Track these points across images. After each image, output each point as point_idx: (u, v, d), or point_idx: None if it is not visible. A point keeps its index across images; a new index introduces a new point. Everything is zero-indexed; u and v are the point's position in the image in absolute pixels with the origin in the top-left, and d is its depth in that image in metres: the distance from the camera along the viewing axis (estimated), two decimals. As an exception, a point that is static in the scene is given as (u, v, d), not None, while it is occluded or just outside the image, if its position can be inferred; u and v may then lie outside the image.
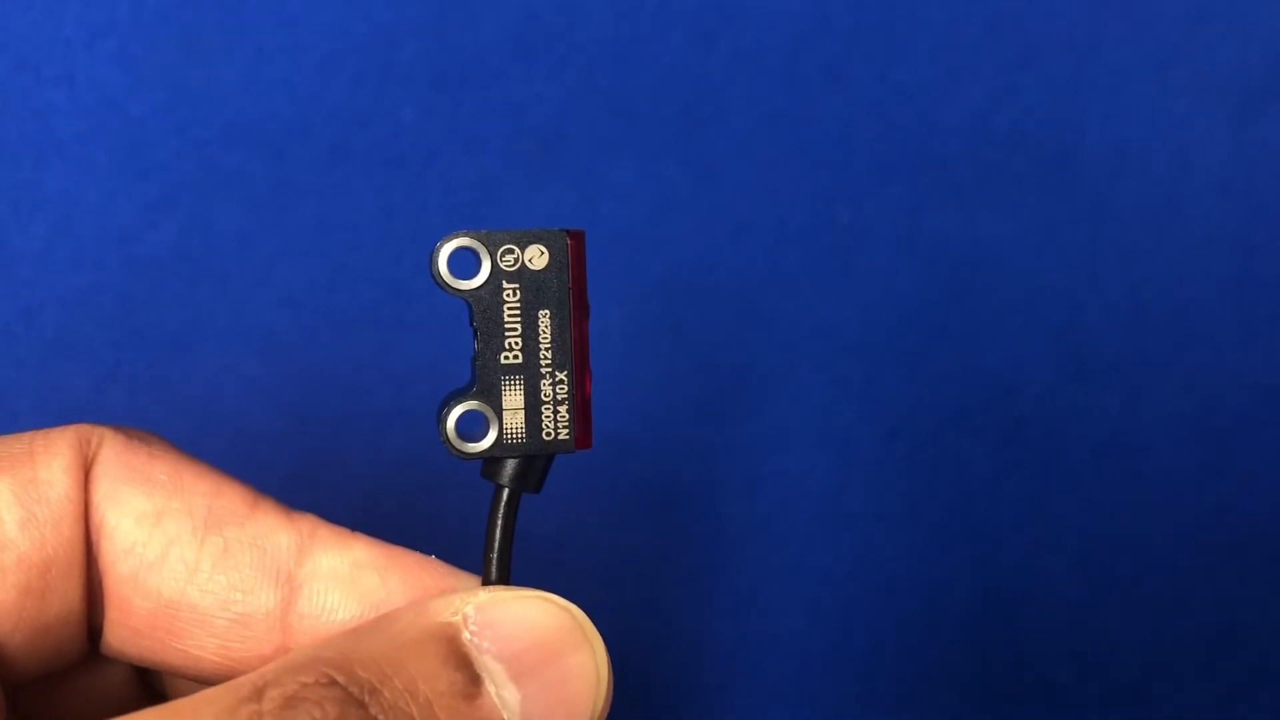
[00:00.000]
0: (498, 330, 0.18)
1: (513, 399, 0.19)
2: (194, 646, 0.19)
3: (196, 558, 0.19)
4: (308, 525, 0.19)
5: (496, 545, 0.19)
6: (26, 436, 0.19)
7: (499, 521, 0.19)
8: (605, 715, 0.18)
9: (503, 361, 0.19)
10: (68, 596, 0.19)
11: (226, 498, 0.19)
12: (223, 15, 0.36)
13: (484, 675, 0.17)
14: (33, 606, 0.18)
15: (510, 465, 0.19)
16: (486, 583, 0.19)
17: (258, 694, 0.16)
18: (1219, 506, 0.36)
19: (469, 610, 0.17)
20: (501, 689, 0.17)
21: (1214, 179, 0.38)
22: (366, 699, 0.16)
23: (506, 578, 0.19)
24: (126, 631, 0.19)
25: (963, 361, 0.36)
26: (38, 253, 0.34)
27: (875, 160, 0.37)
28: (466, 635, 0.17)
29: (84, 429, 0.19)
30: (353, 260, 0.35)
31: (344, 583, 0.19)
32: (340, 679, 0.16)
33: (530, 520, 0.35)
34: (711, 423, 0.36)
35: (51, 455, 0.18)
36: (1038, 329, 0.37)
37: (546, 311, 0.19)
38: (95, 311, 0.34)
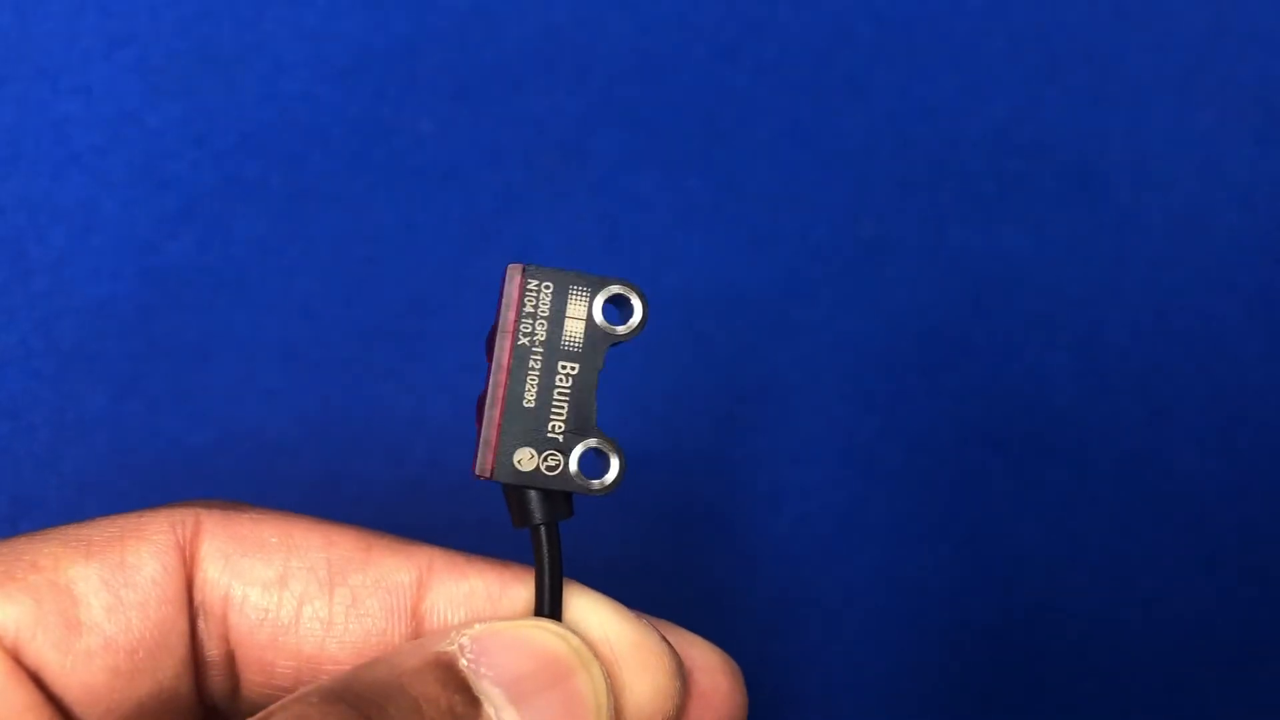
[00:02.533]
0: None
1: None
2: None
3: (330, 613, 0.19)
4: (424, 558, 0.20)
5: (547, 580, 0.19)
6: (119, 521, 0.19)
7: (544, 555, 0.19)
8: None
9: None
10: (158, 675, 0.19)
11: (340, 546, 0.20)
12: (241, 26, 0.36)
13: (483, 699, 0.17)
14: (122, 687, 0.19)
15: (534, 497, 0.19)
16: (538, 614, 0.19)
17: None
18: (1244, 523, 0.36)
19: (464, 640, 0.18)
20: (501, 712, 0.17)
21: (1238, 192, 0.38)
22: (372, 716, 0.16)
23: (559, 611, 0.19)
24: (271, 690, 0.20)
25: (985, 376, 0.36)
26: (55, 263, 0.34)
27: (897, 173, 0.37)
28: (464, 662, 0.18)
29: (175, 511, 0.20)
30: (372, 272, 0.35)
31: (463, 613, 0.20)
32: (347, 700, 0.16)
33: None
34: (731, 437, 0.35)
35: (140, 540, 0.19)
36: (1060, 343, 0.36)
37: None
38: (113, 323, 0.34)
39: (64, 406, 0.34)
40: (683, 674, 0.20)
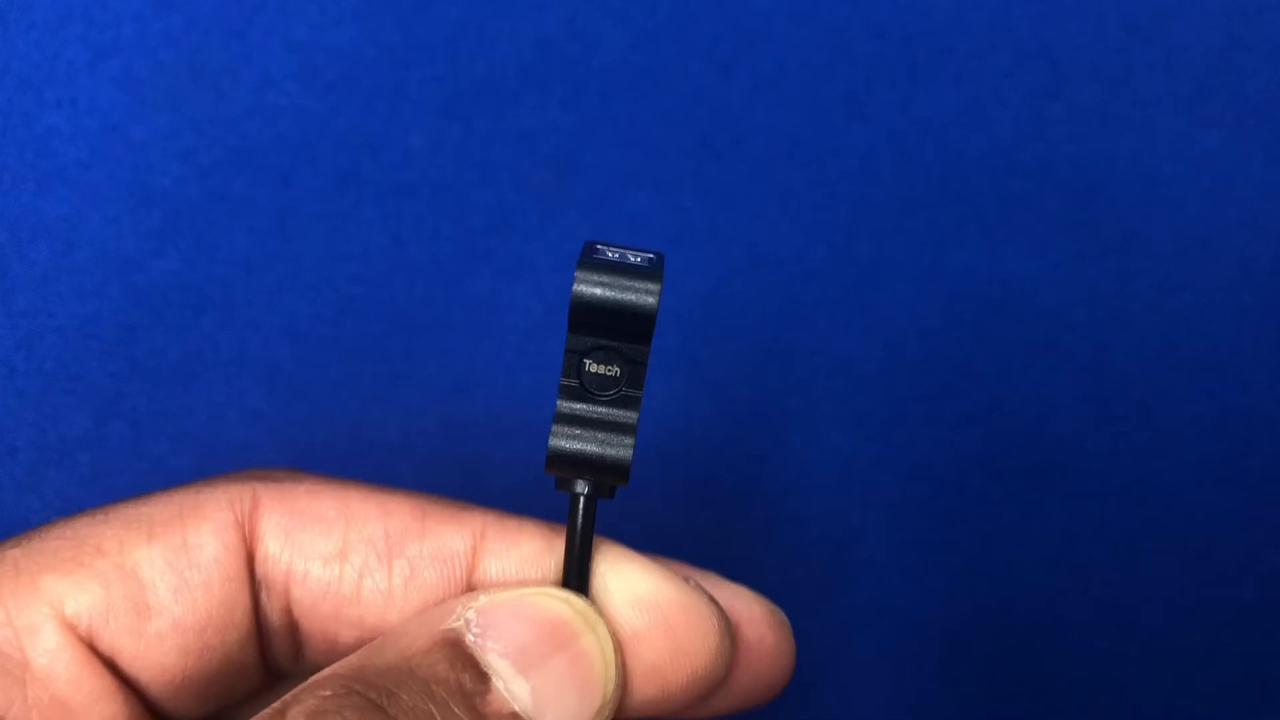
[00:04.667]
0: None
1: None
2: None
3: (389, 585, 0.20)
4: (478, 523, 0.20)
5: (577, 551, 0.20)
6: (177, 498, 0.20)
7: (577, 527, 0.20)
8: (619, 694, 0.19)
9: None
10: (226, 650, 0.20)
11: (396, 516, 0.20)
12: (228, 38, 0.35)
13: (491, 673, 0.18)
14: (193, 665, 0.19)
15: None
16: (566, 585, 0.20)
17: (280, 713, 0.17)
18: (1248, 554, 0.35)
19: (470, 615, 0.18)
20: (510, 683, 0.18)
21: (1247, 214, 0.37)
22: (385, 703, 0.17)
23: (586, 584, 0.20)
24: (335, 658, 0.20)
25: (986, 401, 0.35)
26: (38, 280, 0.34)
27: (897, 193, 0.36)
28: (470, 638, 0.18)
29: (233, 486, 0.20)
30: (360, 290, 0.34)
31: (515, 575, 0.20)
32: (358, 688, 0.17)
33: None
34: (726, 462, 0.35)
35: (201, 519, 0.20)
36: (1064, 368, 0.36)
37: None
38: (96, 341, 0.33)
39: (46, 427, 0.33)
40: (731, 632, 0.20)
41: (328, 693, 0.17)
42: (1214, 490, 0.35)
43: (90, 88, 0.34)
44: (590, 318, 0.19)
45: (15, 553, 0.19)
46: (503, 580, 0.20)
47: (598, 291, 0.19)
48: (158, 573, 0.19)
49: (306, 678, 0.20)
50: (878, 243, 0.36)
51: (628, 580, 0.20)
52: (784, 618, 0.22)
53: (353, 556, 0.20)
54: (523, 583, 0.20)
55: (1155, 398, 0.36)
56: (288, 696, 0.17)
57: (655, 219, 0.35)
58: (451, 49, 0.35)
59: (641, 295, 0.19)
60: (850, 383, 0.35)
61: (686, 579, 0.21)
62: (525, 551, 0.20)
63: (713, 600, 0.20)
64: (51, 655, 0.19)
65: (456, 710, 0.17)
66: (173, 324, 0.34)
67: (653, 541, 0.34)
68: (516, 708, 0.18)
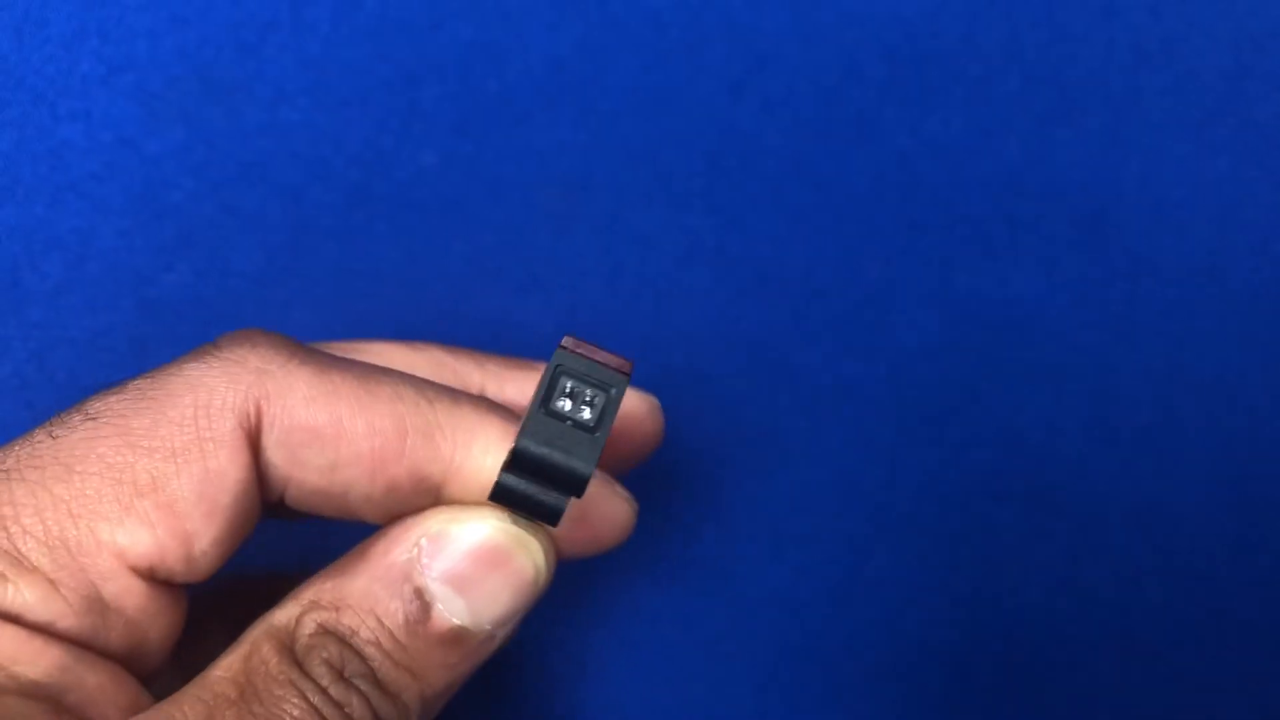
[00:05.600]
0: None
1: None
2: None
3: (370, 492, 0.24)
4: (450, 448, 0.24)
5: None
6: (188, 406, 0.23)
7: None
8: (546, 587, 0.24)
9: None
10: (247, 532, 0.24)
11: (381, 434, 0.24)
12: (242, 53, 0.35)
13: (433, 600, 0.22)
14: (225, 557, 0.24)
15: None
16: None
17: (288, 635, 0.22)
18: (1254, 579, 0.35)
19: (424, 542, 0.23)
20: (449, 603, 0.23)
21: (1256, 239, 0.37)
22: (349, 638, 0.22)
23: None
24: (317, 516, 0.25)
25: (992, 424, 0.36)
26: (50, 293, 0.34)
27: (905, 214, 0.36)
28: (418, 569, 0.23)
29: (237, 391, 0.23)
30: (371, 307, 0.35)
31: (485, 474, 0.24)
32: (328, 624, 0.22)
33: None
34: (732, 482, 0.35)
35: (218, 444, 0.23)
36: (1070, 392, 0.36)
37: None
38: (108, 355, 0.34)
39: (57, 439, 0.33)
40: (635, 503, 0.27)
41: (312, 630, 0.22)
42: (1220, 514, 0.35)
43: (104, 102, 0.35)
44: (530, 465, 0.22)
45: (62, 491, 0.22)
46: (464, 496, 0.24)
47: (542, 451, 0.22)
48: (192, 505, 0.23)
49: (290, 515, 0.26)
50: (886, 264, 0.36)
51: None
52: (655, 401, 0.29)
53: (342, 469, 0.24)
54: (474, 506, 0.24)
55: (1162, 421, 0.36)
56: (286, 615, 0.22)
57: (664, 238, 0.36)
58: (464, 67, 0.36)
59: (577, 464, 0.22)
60: (857, 403, 0.35)
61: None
62: (493, 459, 0.24)
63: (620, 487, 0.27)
64: (122, 593, 0.22)
65: (402, 638, 0.22)
66: (185, 338, 0.34)
67: (657, 554, 0.34)
68: (456, 621, 0.23)
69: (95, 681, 0.22)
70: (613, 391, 0.22)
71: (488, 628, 0.23)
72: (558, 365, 0.22)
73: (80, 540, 0.22)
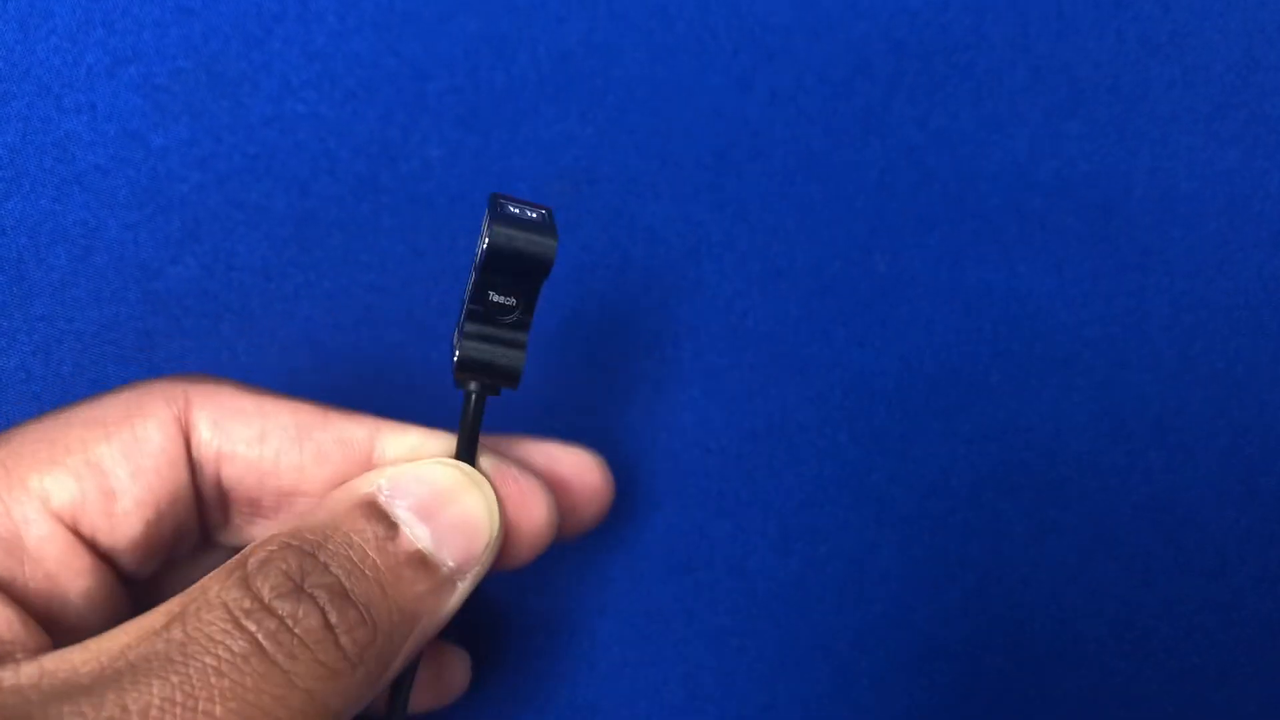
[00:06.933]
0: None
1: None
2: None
3: (300, 460, 0.25)
4: (372, 422, 0.25)
5: (468, 434, 0.25)
6: (122, 399, 0.24)
7: (469, 416, 0.25)
8: (498, 545, 0.25)
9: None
10: (175, 521, 0.25)
11: (303, 413, 0.25)
12: (248, 45, 0.35)
13: (399, 522, 0.23)
14: (152, 533, 0.24)
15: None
16: (458, 459, 0.25)
17: (241, 563, 0.21)
18: (1264, 573, 0.35)
19: (382, 481, 0.24)
20: (413, 528, 0.23)
21: (1266, 231, 0.37)
22: (315, 551, 0.22)
23: (473, 460, 0.25)
24: (259, 521, 0.26)
25: (1001, 418, 0.35)
26: (56, 286, 0.34)
27: (914, 208, 0.36)
28: (382, 498, 0.23)
29: (168, 389, 0.24)
30: (377, 299, 0.34)
31: (406, 456, 0.25)
32: (294, 542, 0.22)
33: (554, 575, 0.34)
34: (742, 474, 0.35)
35: (145, 417, 0.24)
36: (1079, 385, 0.36)
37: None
38: (114, 348, 0.34)
39: (63, 433, 0.33)
40: (551, 494, 0.27)
41: (274, 547, 0.22)
42: (1229, 508, 0.35)
43: (109, 94, 0.35)
44: (503, 263, 0.24)
45: (1, 453, 0.23)
46: (398, 459, 0.25)
47: (511, 243, 0.23)
48: (117, 463, 0.24)
49: (235, 542, 0.27)
50: (894, 257, 0.36)
51: (489, 463, 0.26)
52: (600, 459, 0.29)
53: (269, 439, 0.25)
54: (424, 457, 0.25)
55: (1171, 414, 0.36)
56: (243, 552, 0.22)
57: (672, 231, 0.36)
58: (471, 60, 0.36)
59: (544, 248, 0.23)
60: (866, 397, 0.35)
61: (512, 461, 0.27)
62: (412, 440, 0.25)
63: (543, 484, 0.27)
64: (43, 540, 0.23)
65: (370, 553, 0.22)
66: (191, 331, 0.34)
67: (667, 548, 0.34)
68: (420, 546, 0.23)
69: (3, 614, 0.22)
70: (549, 209, 0.24)
71: (450, 563, 0.23)
72: (492, 194, 0.25)
73: (9, 485, 0.23)
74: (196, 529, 0.26)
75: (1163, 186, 0.37)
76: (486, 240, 0.23)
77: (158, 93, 0.35)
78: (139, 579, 0.25)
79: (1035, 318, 0.36)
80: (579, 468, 0.29)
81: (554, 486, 0.28)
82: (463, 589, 0.24)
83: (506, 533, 0.26)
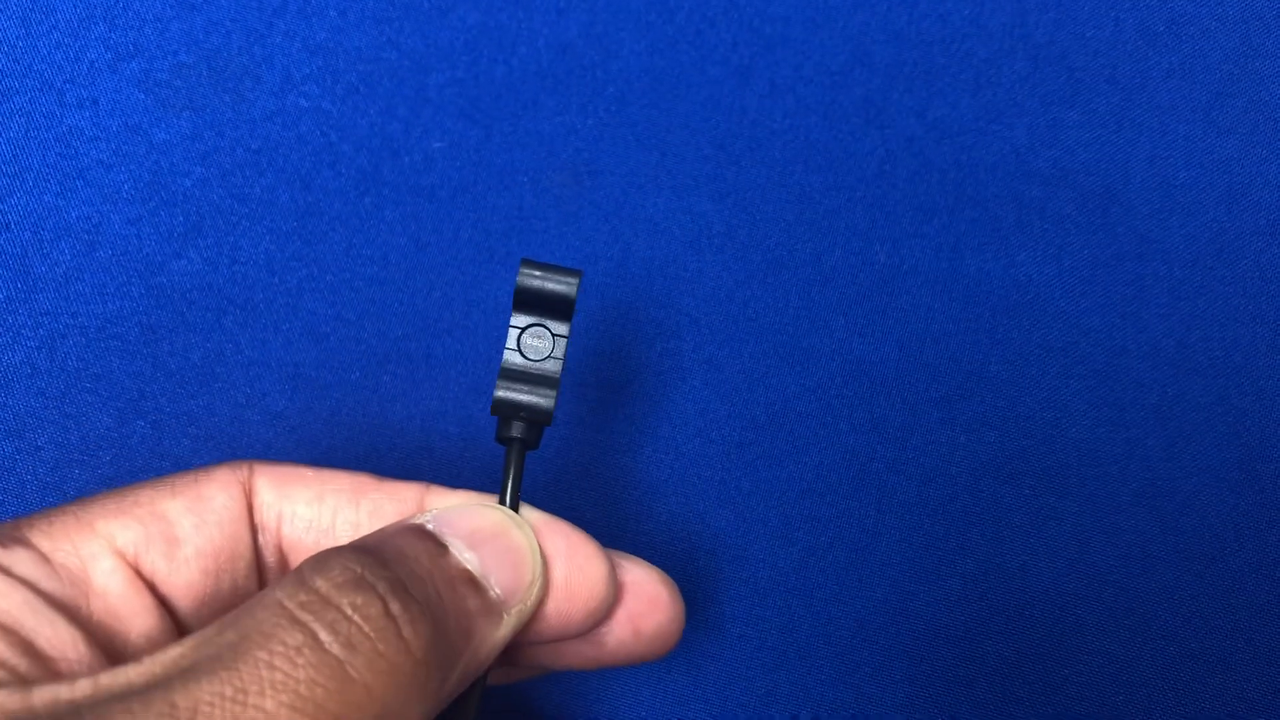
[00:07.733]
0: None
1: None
2: None
3: (357, 518, 0.26)
4: (422, 485, 0.27)
5: (511, 483, 0.26)
6: (190, 471, 0.26)
7: (511, 465, 0.26)
8: (544, 582, 0.25)
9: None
10: (234, 575, 0.26)
11: (358, 478, 0.26)
12: (249, 39, 0.35)
13: (449, 544, 0.23)
14: (210, 583, 0.25)
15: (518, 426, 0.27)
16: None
17: (297, 568, 0.22)
18: (1261, 559, 0.35)
19: (429, 515, 0.24)
20: (463, 553, 0.24)
21: (1264, 220, 0.37)
22: (376, 557, 0.22)
23: (516, 507, 0.26)
24: None
25: (1001, 405, 0.36)
26: (60, 280, 0.34)
27: (913, 197, 0.36)
28: (430, 526, 0.24)
29: (233, 463, 0.26)
30: (381, 292, 0.35)
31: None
32: (353, 545, 0.23)
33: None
34: (743, 464, 0.35)
35: (210, 480, 0.25)
36: (1078, 372, 0.36)
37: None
38: (118, 342, 0.34)
39: (69, 426, 0.33)
40: (613, 569, 0.26)
41: (342, 550, 0.22)
42: (1227, 495, 0.36)
43: (112, 89, 0.35)
44: (529, 298, 0.26)
45: (73, 507, 0.25)
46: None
47: (535, 283, 0.26)
48: (181, 515, 0.25)
49: None
50: (894, 247, 0.36)
51: (540, 517, 0.26)
52: (671, 582, 0.28)
53: (328, 500, 0.26)
54: (468, 502, 0.26)
55: (1169, 402, 0.36)
56: (315, 555, 0.22)
57: (673, 222, 0.36)
58: (471, 53, 0.36)
59: (565, 286, 0.26)
60: (866, 386, 0.36)
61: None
62: (460, 499, 0.26)
63: (599, 545, 0.27)
64: (107, 575, 0.24)
65: (425, 562, 0.23)
66: (195, 324, 0.34)
67: (672, 542, 0.35)
68: (469, 568, 0.23)
69: (68, 635, 0.22)
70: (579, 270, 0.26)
71: (498, 590, 0.24)
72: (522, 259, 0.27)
73: (79, 529, 0.24)
74: (257, 590, 0.26)
75: (1161, 175, 0.37)
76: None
77: (160, 87, 0.35)
78: (193, 629, 0.25)
79: (1034, 306, 0.36)
80: (645, 578, 0.27)
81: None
82: (509, 623, 0.24)
83: (562, 588, 0.26)
